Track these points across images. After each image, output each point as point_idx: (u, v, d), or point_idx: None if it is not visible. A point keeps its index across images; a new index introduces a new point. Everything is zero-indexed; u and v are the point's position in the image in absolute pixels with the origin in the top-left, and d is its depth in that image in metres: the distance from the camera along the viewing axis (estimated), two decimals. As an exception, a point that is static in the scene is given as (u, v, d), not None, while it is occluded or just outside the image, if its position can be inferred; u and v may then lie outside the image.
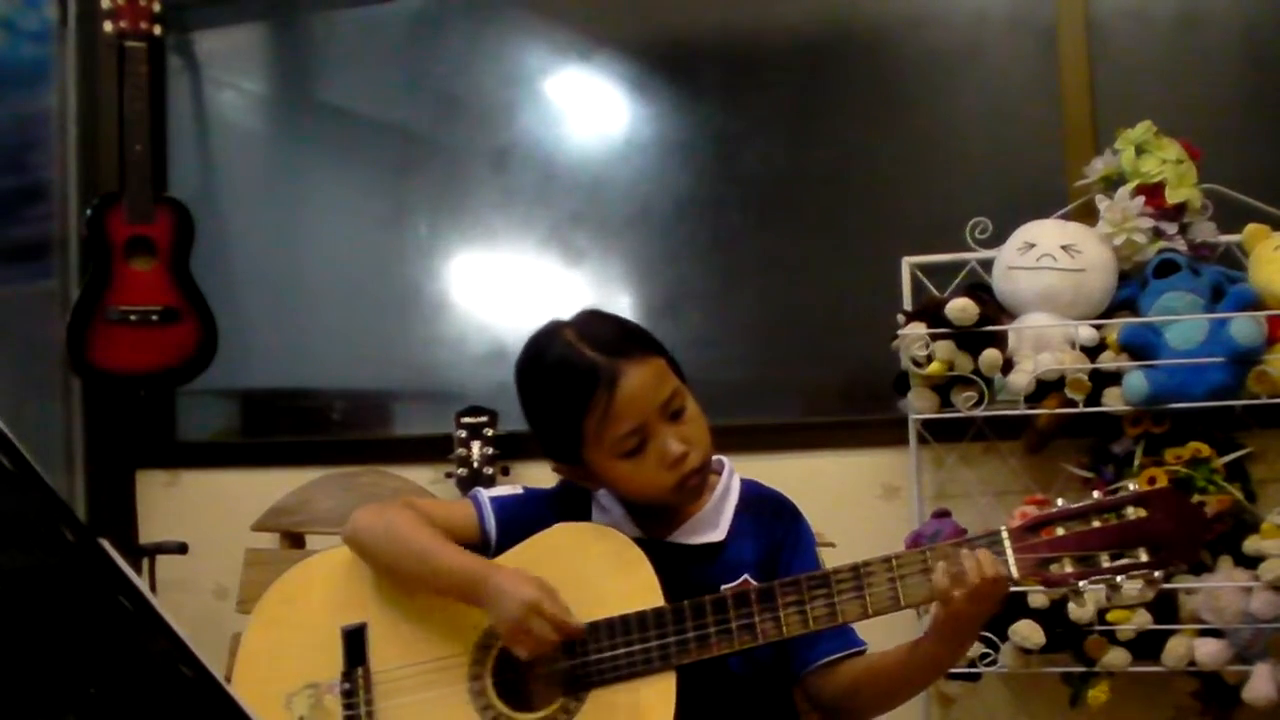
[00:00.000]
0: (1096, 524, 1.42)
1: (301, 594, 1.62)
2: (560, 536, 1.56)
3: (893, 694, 1.55)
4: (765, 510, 1.62)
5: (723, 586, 1.51)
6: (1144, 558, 1.41)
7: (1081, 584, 1.42)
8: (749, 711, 1.56)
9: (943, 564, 1.41)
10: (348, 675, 1.54)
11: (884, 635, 1.59)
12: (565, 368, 1.52)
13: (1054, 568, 1.42)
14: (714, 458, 1.64)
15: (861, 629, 1.54)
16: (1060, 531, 1.43)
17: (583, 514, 1.62)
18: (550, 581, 1.50)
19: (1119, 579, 1.41)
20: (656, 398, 1.51)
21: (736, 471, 1.66)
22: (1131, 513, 1.42)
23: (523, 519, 1.60)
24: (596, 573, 1.51)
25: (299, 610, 1.61)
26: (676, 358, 1.60)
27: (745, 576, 1.53)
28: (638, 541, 1.54)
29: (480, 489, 1.68)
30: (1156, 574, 1.41)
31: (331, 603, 1.59)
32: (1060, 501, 1.46)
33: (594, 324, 1.56)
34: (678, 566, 1.54)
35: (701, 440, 1.55)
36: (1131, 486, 1.47)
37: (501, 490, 1.68)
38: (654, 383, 1.52)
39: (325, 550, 1.69)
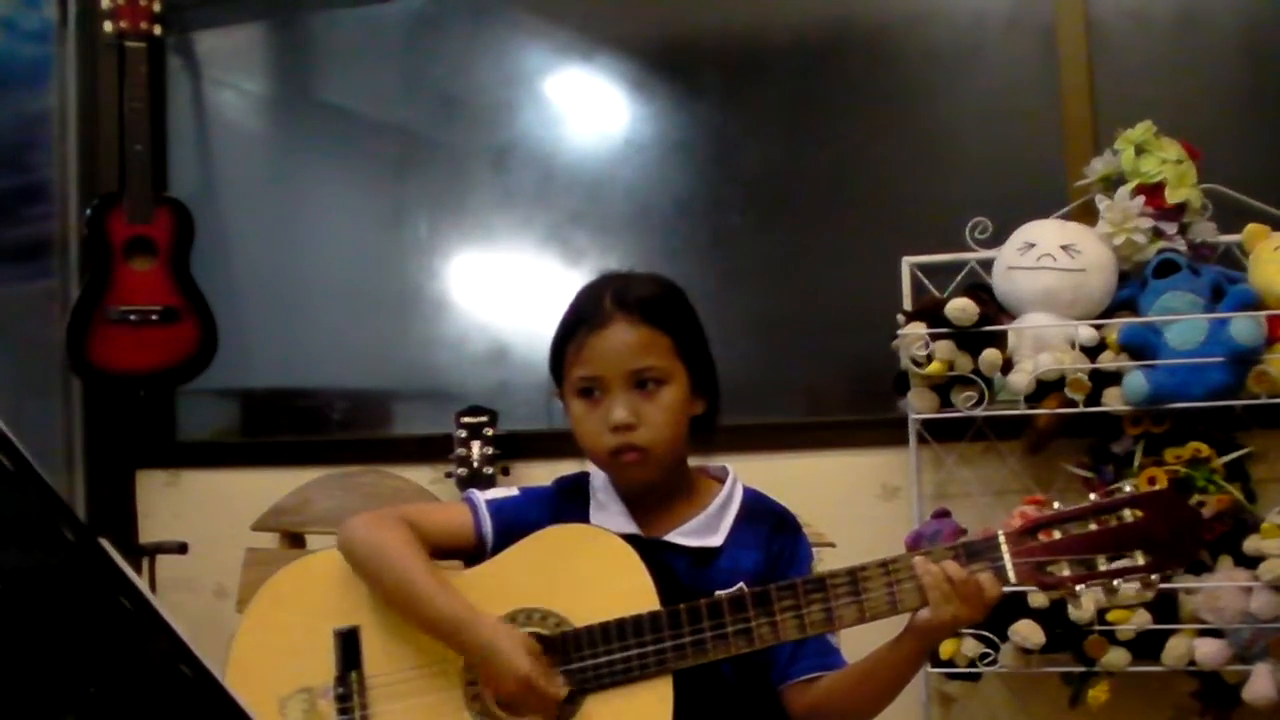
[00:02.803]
0: (1093, 526, 1.42)
1: (293, 596, 1.60)
2: (554, 538, 1.55)
3: (871, 700, 1.53)
4: (766, 523, 1.62)
5: (717, 593, 1.50)
6: (1141, 560, 1.40)
7: (1079, 587, 1.42)
8: (742, 716, 1.56)
9: (941, 583, 1.41)
10: (342, 679, 1.52)
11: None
12: (578, 302, 1.60)
13: (1051, 570, 1.42)
14: (718, 466, 1.65)
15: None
16: (1057, 534, 1.42)
17: (581, 512, 1.62)
18: (544, 584, 1.50)
19: (1116, 582, 1.41)
20: (628, 360, 1.54)
21: (740, 481, 1.65)
22: (1128, 515, 1.42)
23: (519, 521, 1.59)
24: (591, 576, 1.50)
25: (291, 612, 1.59)
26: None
27: (740, 585, 1.52)
28: (634, 538, 1.53)
29: (475, 491, 1.67)
30: (1153, 577, 1.41)
31: (324, 605, 1.57)
32: (1057, 504, 1.46)
33: (635, 281, 1.62)
34: (672, 567, 1.54)
35: (658, 427, 1.54)
36: (1128, 488, 1.47)
37: (498, 492, 1.67)
38: (633, 347, 1.55)
39: (316, 551, 1.68)
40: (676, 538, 1.58)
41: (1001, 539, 1.43)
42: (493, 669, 1.45)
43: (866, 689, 1.51)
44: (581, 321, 1.56)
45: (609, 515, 1.60)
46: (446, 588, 1.52)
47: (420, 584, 1.52)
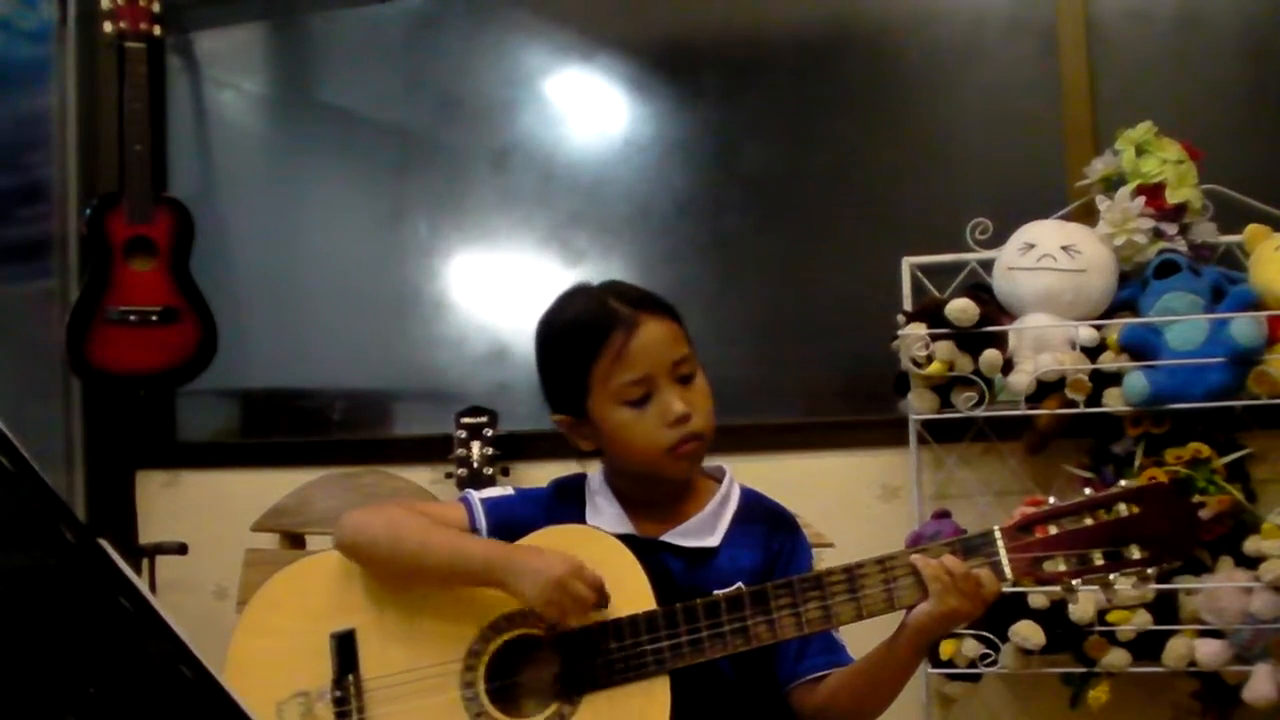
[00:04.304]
0: (1089, 521, 1.42)
1: (289, 599, 1.60)
2: (551, 539, 1.54)
3: (871, 698, 1.53)
4: (764, 522, 1.61)
5: (715, 592, 1.50)
6: (1136, 555, 1.40)
7: (1075, 582, 1.41)
8: (741, 715, 1.56)
9: (941, 575, 1.41)
10: (338, 683, 1.52)
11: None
12: (588, 311, 1.57)
13: (1047, 566, 1.42)
14: (715, 465, 1.65)
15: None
16: (1053, 530, 1.42)
17: (577, 513, 1.61)
18: None
19: (1112, 577, 1.41)
20: (669, 354, 1.54)
21: (737, 480, 1.65)
22: (1124, 509, 1.42)
23: (515, 520, 1.59)
24: None
25: (286, 616, 1.58)
26: None
27: (739, 585, 1.52)
28: (631, 539, 1.53)
29: (471, 490, 1.67)
30: (1149, 571, 1.41)
31: (319, 608, 1.57)
32: (1053, 499, 1.46)
33: (619, 284, 1.62)
34: (669, 567, 1.54)
35: (705, 411, 1.56)
36: (1123, 482, 1.46)
37: (493, 491, 1.67)
38: (669, 339, 1.55)
39: (311, 555, 1.68)
40: (673, 538, 1.58)
41: (997, 535, 1.43)
42: (531, 576, 1.44)
43: (867, 687, 1.51)
44: (607, 331, 1.53)
45: (605, 517, 1.60)
46: (465, 534, 1.54)
47: (446, 538, 1.53)
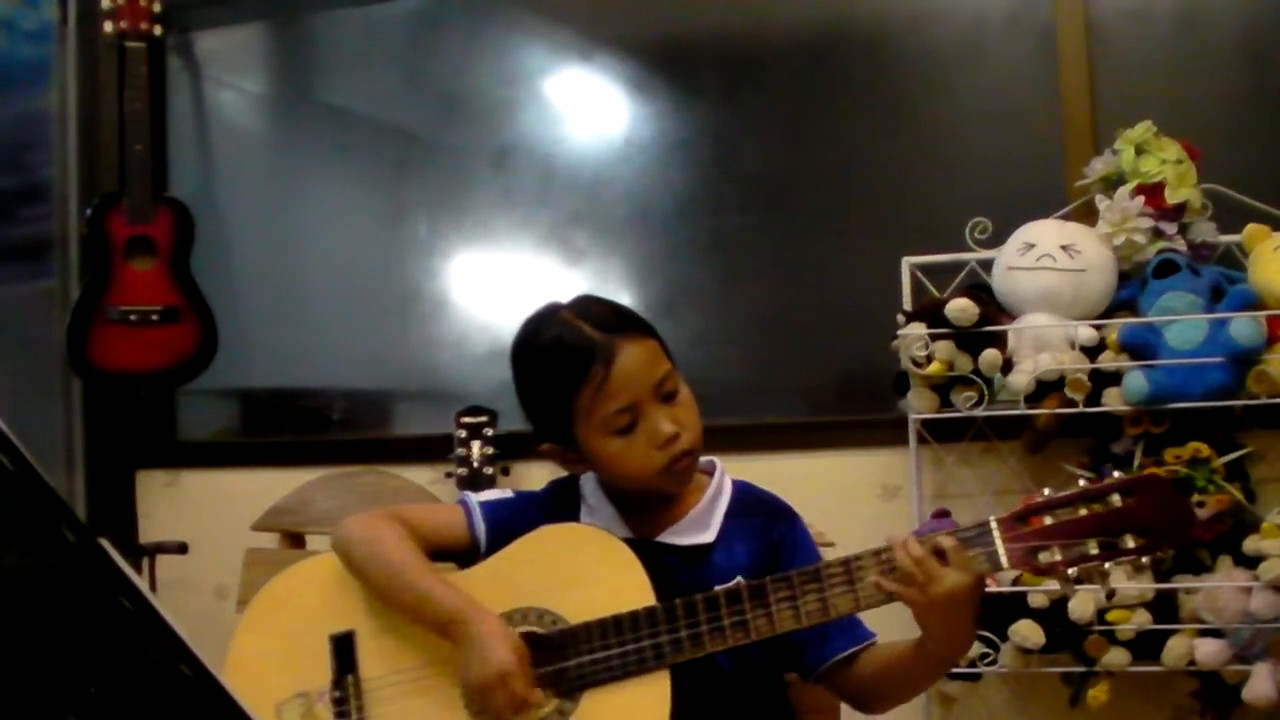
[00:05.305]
0: (1084, 512, 1.43)
1: (289, 600, 1.60)
2: (549, 537, 1.55)
3: (907, 685, 1.57)
4: (759, 514, 1.62)
5: (715, 588, 1.50)
6: (1131, 544, 1.42)
7: (1070, 572, 1.42)
8: (740, 709, 1.56)
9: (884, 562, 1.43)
10: (338, 683, 1.52)
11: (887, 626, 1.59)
12: (562, 343, 1.53)
13: (1043, 556, 1.43)
14: (705, 459, 1.64)
15: (871, 619, 1.54)
16: (1049, 520, 1.44)
17: (572, 515, 1.61)
18: (540, 583, 1.50)
19: (1107, 565, 1.42)
20: (651, 376, 1.52)
21: (728, 473, 1.65)
22: (1118, 500, 1.43)
23: (513, 522, 1.59)
24: (587, 573, 1.50)
25: (287, 617, 1.59)
26: (675, 356, 1.60)
27: (738, 579, 1.52)
28: (626, 541, 1.53)
29: (469, 493, 1.67)
30: (1144, 559, 1.42)
31: (320, 609, 1.57)
32: (1047, 490, 1.47)
33: (590, 305, 1.59)
34: (667, 567, 1.54)
35: (693, 424, 1.55)
36: (1116, 474, 1.48)
37: (491, 494, 1.67)
38: (649, 361, 1.53)
39: (312, 556, 1.68)
40: (669, 537, 1.58)
41: (993, 525, 1.45)
42: (475, 657, 1.44)
43: (901, 674, 1.54)
44: (585, 364, 1.50)
45: (600, 518, 1.60)
46: (444, 582, 1.53)
47: (418, 578, 1.52)
